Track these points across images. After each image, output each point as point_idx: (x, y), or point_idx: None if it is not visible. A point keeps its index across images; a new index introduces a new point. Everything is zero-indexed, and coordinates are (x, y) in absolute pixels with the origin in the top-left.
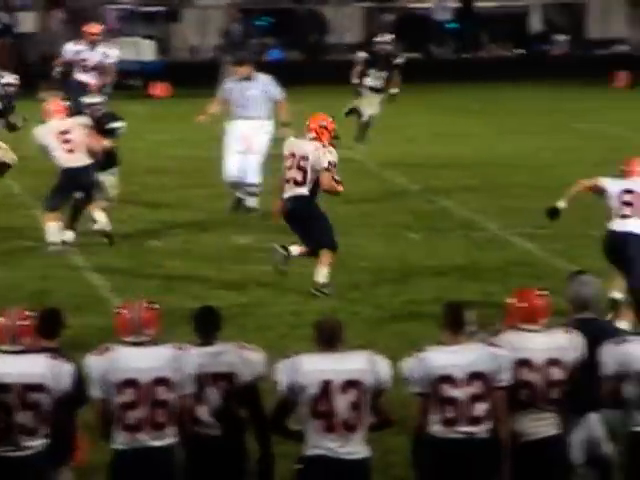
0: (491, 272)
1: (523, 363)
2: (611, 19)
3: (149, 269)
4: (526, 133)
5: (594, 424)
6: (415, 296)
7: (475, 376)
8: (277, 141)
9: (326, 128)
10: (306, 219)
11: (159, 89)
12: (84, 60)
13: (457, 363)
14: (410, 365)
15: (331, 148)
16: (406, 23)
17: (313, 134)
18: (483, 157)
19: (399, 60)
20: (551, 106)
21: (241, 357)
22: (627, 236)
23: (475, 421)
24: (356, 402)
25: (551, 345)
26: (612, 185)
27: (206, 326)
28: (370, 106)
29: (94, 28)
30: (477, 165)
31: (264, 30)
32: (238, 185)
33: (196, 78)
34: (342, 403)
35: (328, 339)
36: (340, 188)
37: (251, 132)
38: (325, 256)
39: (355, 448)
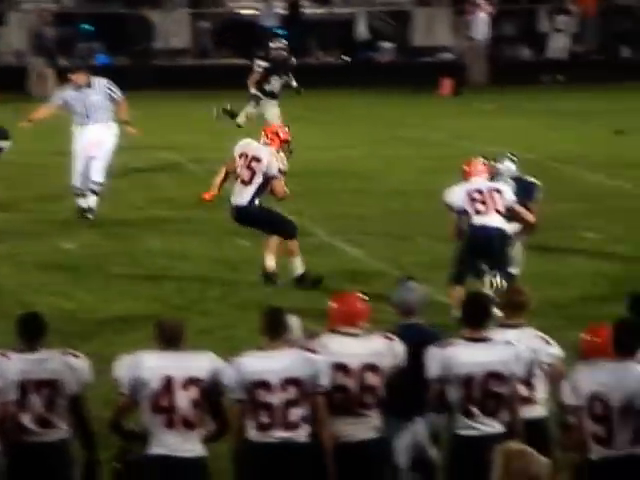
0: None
1: (339, 367)
2: (436, 27)
3: None
4: (353, 140)
5: (419, 428)
6: (245, 300)
7: (290, 382)
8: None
9: (278, 136)
10: (253, 223)
11: None
12: None
13: (272, 369)
14: (230, 371)
15: (282, 156)
16: (232, 29)
17: (266, 139)
18: (309, 164)
19: (293, 61)
20: (378, 113)
21: (66, 364)
22: (488, 230)
23: (291, 426)
24: (196, 400)
25: (368, 350)
26: (456, 195)
27: (30, 332)
28: (271, 111)
29: None
30: (303, 172)
31: (89, 35)
32: (84, 191)
33: (21, 82)
34: (183, 399)
35: (169, 338)
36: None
37: (98, 137)
38: (290, 247)
39: (194, 446)
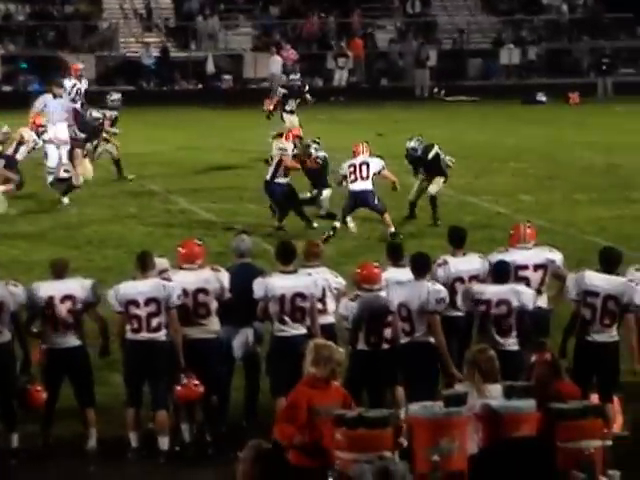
0: (182, 229)
1: (183, 292)
2: (259, 65)
3: None
4: (207, 141)
5: (249, 332)
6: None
7: (151, 300)
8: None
9: (292, 133)
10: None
11: None
12: None
13: (140, 291)
14: (112, 292)
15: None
16: (125, 66)
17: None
18: (181, 158)
19: (307, 88)
20: (221, 123)
21: (8, 290)
22: (363, 192)
23: (153, 330)
24: (72, 309)
25: (199, 278)
26: (344, 167)
27: None
28: (292, 123)
29: None
30: (177, 161)
31: (25, 70)
32: None
33: None
34: (62, 310)
35: (57, 272)
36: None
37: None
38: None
39: (70, 340)
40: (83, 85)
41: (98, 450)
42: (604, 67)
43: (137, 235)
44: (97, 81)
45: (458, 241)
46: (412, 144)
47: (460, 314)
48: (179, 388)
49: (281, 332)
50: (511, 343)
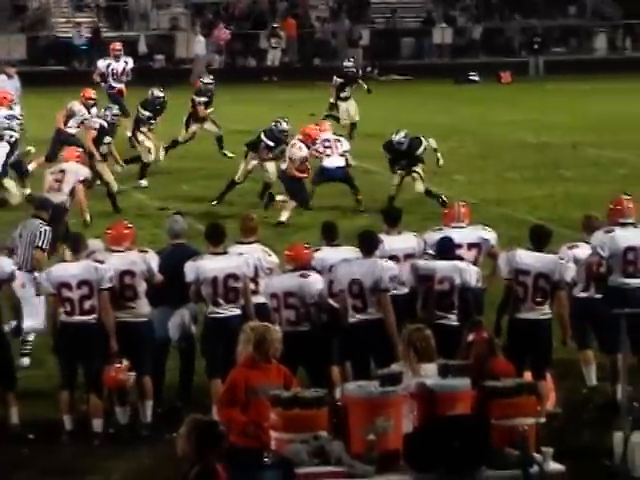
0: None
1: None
2: (189, 45)
3: None
4: None
5: (185, 313)
6: None
7: (83, 282)
8: None
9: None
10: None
11: None
12: None
13: (72, 274)
14: (44, 275)
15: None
16: (56, 46)
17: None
18: None
19: (360, 74)
20: None
21: None
22: (340, 169)
23: (86, 312)
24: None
25: (126, 261)
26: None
27: None
28: (349, 110)
29: None
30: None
31: None
32: None
33: None
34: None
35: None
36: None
37: None
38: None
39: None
40: (121, 65)
41: (32, 432)
42: (536, 46)
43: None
44: (28, 62)
45: (393, 220)
46: (398, 137)
47: (398, 292)
48: (109, 372)
49: (215, 314)
50: (452, 319)
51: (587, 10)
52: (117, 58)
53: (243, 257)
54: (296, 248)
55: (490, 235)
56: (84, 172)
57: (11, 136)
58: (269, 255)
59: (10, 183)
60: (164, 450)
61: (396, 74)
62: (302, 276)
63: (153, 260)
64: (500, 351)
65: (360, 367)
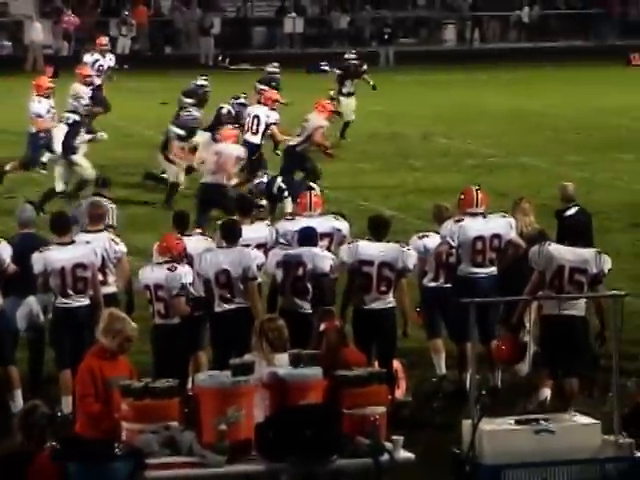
0: None
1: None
2: (43, 33)
3: None
4: None
5: (33, 303)
6: None
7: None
8: None
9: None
10: None
11: None
12: None
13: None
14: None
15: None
16: None
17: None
18: None
19: (364, 67)
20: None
21: None
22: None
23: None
24: None
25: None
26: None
27: None
28: (349, 107)
29: None
30: None
31: None
32: None
33: None
34: None
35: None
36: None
37: None
38: None
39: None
40: (107, 62)
41: None
42: (386, 37)
43: None
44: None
45: (247, 212)
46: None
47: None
48: None
49: (64, 304)
50: (307, 307)
51: (436, 2)
52: (103, 54)
53: (90, 246)
54: (168, 239)
55: (342, 225)
56: (240, 151)
57: (68, 118)
58: (116, 244)
59: (81, 159)
60: (5, 441)
61: (247, 63)
62: (169, 269)
63: (4, 250)
64: (351, 341)
65: (224, 357)
